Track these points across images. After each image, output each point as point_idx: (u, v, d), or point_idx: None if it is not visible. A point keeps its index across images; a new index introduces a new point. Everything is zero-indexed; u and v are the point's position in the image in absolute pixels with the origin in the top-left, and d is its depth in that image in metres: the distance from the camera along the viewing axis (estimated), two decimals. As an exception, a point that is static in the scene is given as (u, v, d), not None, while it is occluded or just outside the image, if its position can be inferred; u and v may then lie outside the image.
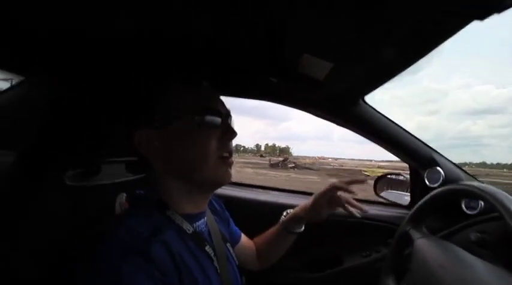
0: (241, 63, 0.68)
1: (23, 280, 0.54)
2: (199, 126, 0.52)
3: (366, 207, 0.71)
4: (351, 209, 0.71)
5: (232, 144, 0.57)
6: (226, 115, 0.57)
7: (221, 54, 0.62)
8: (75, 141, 0.66)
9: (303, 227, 0.79)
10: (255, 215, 0.94)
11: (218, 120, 0.54)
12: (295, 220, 0.77)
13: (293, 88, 0.77)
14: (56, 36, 0.50)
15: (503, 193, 0.47)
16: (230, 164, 0.56)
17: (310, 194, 1.21)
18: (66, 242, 0.53)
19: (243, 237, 0.82)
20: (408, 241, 0.69)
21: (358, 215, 0.70)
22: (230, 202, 0.84)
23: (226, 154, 0.55)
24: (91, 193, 0.71)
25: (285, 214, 0.80)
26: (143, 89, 0.58)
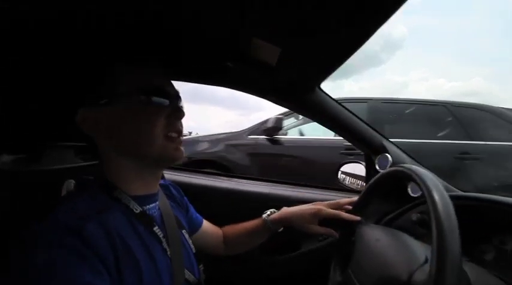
0: (195, 46, 0.66)
1: None
2: (147, 104, 0.52)
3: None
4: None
5: (181, 124, 0.57)
6: (175, 95, 0.58)
7: (174, 36, 0.60)
8: (13, 124, 0.61)
9: (282, 228, 0.82)
10: (215, 202, 0.94)
11: (165, 99, 0.55)
12: (283, 223, 0.80)
13: (249, 74, 0.77)
14: None
15: (428, 173, 0.51)
16: (180, 143, 0.56)
17: (273, 182, 1.23)
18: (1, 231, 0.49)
19: (206, 223, 0.83)
20: (352, 232, 0.72)
21: None
22: (190, 189, 0.83)
23: (173, 134, 0.55)
24: (34, 180, 0.67)
25: (268, 212, 0.82)
26: (88, 67, 0.56)
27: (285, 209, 0.81)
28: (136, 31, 0.56)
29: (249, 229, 0.82)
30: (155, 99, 0.53)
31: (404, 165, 0.59)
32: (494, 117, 2.48)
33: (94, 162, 0.80)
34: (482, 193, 0.71)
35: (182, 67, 0.75)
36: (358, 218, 0.72)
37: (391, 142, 0.96)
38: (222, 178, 1.18)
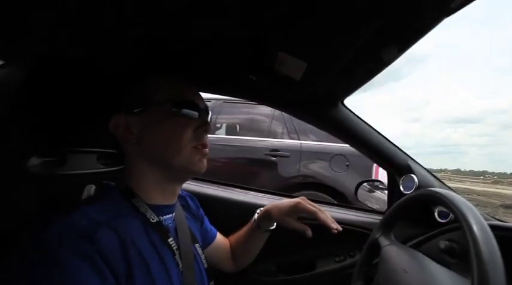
0: (220, 59, 0.67)
1: None
2: (178, 115, 0.54)
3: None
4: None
5: (207, 137, 0.59)
6: (204, 109, 0.60)
7: (202, 49, 0.61)
8: (41, 129, 0.64)
9: (275, 225, 0.78)
10: (229, 214, 0.93)
11: (195, 112, 0.57)
12: (267, 217, 0.76)
13: (272, 88, 0.77)
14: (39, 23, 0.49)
15: (462, 199, 0.47)
16: (204, 155, 0.57)
17: (287, 196, 1.20)
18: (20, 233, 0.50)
19: (219, 237, 0.81)
20: (377, 249, 0.69)
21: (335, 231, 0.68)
22: (205, 199, 0.82)
23: (199, 146, 0.56)
24: (59, 184, 0.69)
25: (258, 211, 0.79)
26: (123, 77, 0.58)
27: (271, 203, 0.78)
28: (167, 43, 0.58)
29: (244, 234, 0.80)
30: (185, 111, 0.55)
31: (436, 189, 0.55)
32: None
33: (115, 168, 0.82)
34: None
35: (207, 78, 0.76)
36: (334, 226, 0.67)
37: (417, 163, 0.91)
38: (238, 190, 1.17)
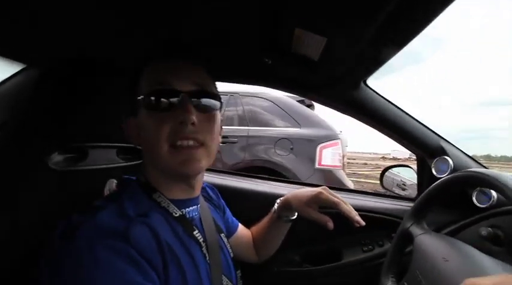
0: (231, 42, 0.64)
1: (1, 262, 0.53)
2: (151, 108, 0.48)
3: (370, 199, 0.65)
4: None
5: (196, 130, 0.47)
6: (191, 93, 0.48)
7: (209, 32, 0.58)
8: (63, 124, 0.65)
9: (296, 214, 0.75)
10: (252, 206, 0.91)
11: (171, 99, 0.47)
12: (287, 207, 0.73)
13: (289, 71, 0.73)
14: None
15: None
16: (189, 154, 0.48)
17: (308, 184, 1.17)
18: (44, 227, 0.52)
19: (241, 228, 0.80)
20: (409, 239, 0.64)
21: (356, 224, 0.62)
22: (226, 191, 0.81)
23: (182, 143, 0.47)
24: (79, 179, 0.70)
25: (278, 201, 0.76)
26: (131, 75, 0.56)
27: (290, 192, 0.73)
28: (174, 33, 0.56)
29: (265, 225, 0.78)
30: (154, 100, 0.47)
31: (481, 170, 0.50)
32: (273, 104, 2.76)
33: (134, 163, 0.82)
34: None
35: (217, 65, 0.73)
36: (358, 219, 0.61)
37: (451, 143, 0.84)
38: (258, 180, 1.15)
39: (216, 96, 0.54)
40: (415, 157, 0.98)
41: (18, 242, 0.55)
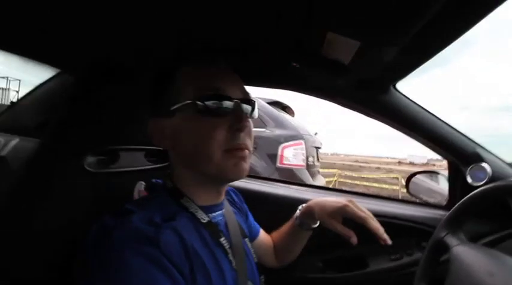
0: (259, 46, 0.63)
1: (34, 264, 0.56)
2: (204, 112, 0.47)
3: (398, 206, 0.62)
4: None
5: (245, 136, 0.50)
6: (240, 100, 0.51)
7: (237, 36, 0.58)
8: (96, 128, 0.67)
9: (318, 223, 0.72)
10: (273, 210, 0.90)
11: (225, 106, 0.49)
12: (309, 215, 0.71)
13: (317, 75, 0.72)
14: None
15: None
16: (242, 158, 0.49)
17: (331, 190, 1.14)
18: (79, 229, 0.54)
19: (262, 233, 0.79)
20: (443, 249, 0.61)
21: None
22: (247, 195, 0.81)
23: (233, 148, 0.49)
24: (110, 180, 0.72)
25: (300, 208, 0.74)
26: (157, 76, 0.57)
27: (313, 199, 0.71)
28: (199, 31, 0.56)
29: (286, 231, 0.76)
30: (211, 105, 0.47)
31: None
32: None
33: (162, 165, 0.84)
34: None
35: (246, 69, 0.74)
36: (385, 237, 0.59)
37: (488, 150, 0.79)
38: (280, 184, 1.14)
39: (254, 102, 0.55)
40: (432, 163, 0.93)
41: (53, 240, 0.58)
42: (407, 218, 0.93)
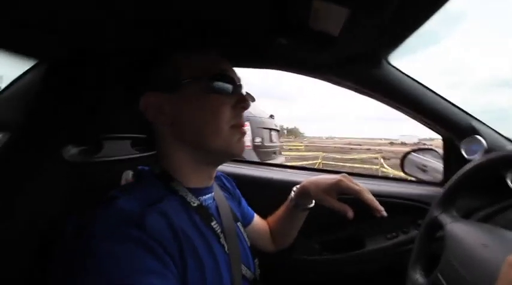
0: (242, 24, 0.60)
1: (18, 256, 0.53)
2: (212, 91, 0.50)
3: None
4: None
5: (244, 115, 0.55)
6: (239, 83, 0.55)
7: (219, 15, 0.55)
8: (76, 117, 0.64)
9: (314, 202, 0.72)
10: (267, 194, 0.89)
11: (230, 86, 0.52)
12: (304, 194, 0.70)
13: (306, 51, 0.68)
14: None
15: None
16: (243, 134, 0.54)
17: (322, 171, 1.13)
18: (61, 220, 0.51)
19: (256, 218, 0.79)
20: (438, 227, 0.61)
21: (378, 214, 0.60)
22: (241, 180, 0.79)
23: (237, 124, 0.52)
24: (96, 171, 0.69)
25: (294, 189, 0.73)
26: (149, 54, 0.54)
27: (307, 179, 0.70)
28: (183, 17, 0.53)
29: (282, 214, 0.76)
30: (219, 84, 0.50)
31: None
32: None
33: (150, 153, 0.81)
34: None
35: (233, 51, 0.70)
36: (380, 208, 0.59)
37: (483, 122, 0.77)
38: (274, 168, 1.12)
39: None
40: (423, 142, 0.92)
41: (36, 234, 0.56)
42: (402, 196, 0.92)
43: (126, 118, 0.71)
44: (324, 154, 12.99)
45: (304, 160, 11.10)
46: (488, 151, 0.73)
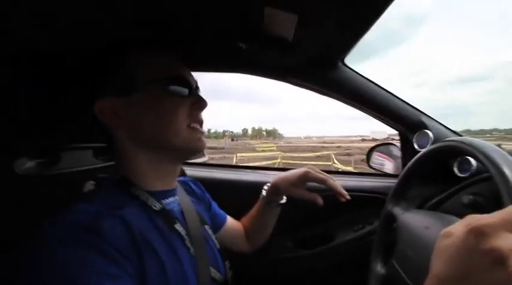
0: (202, 27, 0.61)
1: None
2: (168, 93, 0.51)
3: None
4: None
5: (202, 116, 0.56)
6: (195, 85, 0.57)
7: (179, 19, 0.55)
8: (30, 127, 0.61)
9: (285, 198, 0.75)
10: (240, 197, 0.90)
11: (186, 89, 0.53)
12: (275, 191, 0.72)
13: (264, 54, 0.71)
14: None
15: (495, 147, 0.42)
16: (202, 134, 0.55)
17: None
18: (12, 239, 0.48)
19: (229, 220, 0.79)
20: (393, 219, 0.65)
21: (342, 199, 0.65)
22: (209, 184, 0.79)
23: (196, 125, 0.54)
24: (55, 183, 0.66)
25: (265, 187, 0.75)
26: (104, 57, 0.53)
27: (277, 177, 0.73)
28: (141, 17, 0.53)
29: (255, 213, 0.78)
30: (176, 87, 0.51)
31: (459, 138, 0.50)
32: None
33: (113, 163, 0.79)
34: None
35: (194, 54, 0.70)
36: (344, 192, 0.64)
37: (432, 117, 0.84)
38: (244, 170, 1.14)
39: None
40: (393, 137, 0.99)
41: None
42: (366, 189, 0.97)
43: (86, 126, 0.68)
44: (285, 154, 14.64)
45: (265, 160, 12.47)
46: (435, 143, 0.79)
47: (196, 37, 0.62)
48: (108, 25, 0.53)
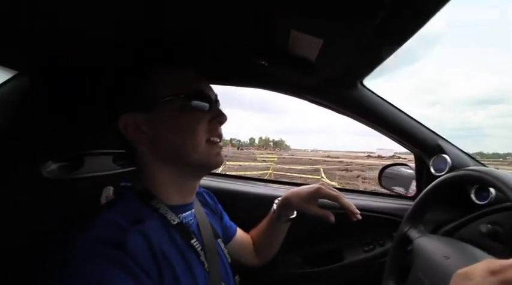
0: (226, 45, 0.63)
1: None
2: (189, 109, 0.52)
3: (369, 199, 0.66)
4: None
5: (221, 129, 0.57)
6: (215, 99, 0.57)
7: (205, 36, 0.58)
8: (57, 132, 0.63)
9: (295, 213, 0.75)
10: (250, 209, 0.90)
11: (207, 104, 0.54)
12: (286, 205, 0.73)
13: (286, 72, 0.72)
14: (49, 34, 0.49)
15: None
16: (221, 148, 0.56)
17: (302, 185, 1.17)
18: (43, 237, 0.50)
19: (239, 232, 0.79)
20: (408, 241, 0.65)
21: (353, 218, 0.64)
22: (223, 195, 0.80)
23: (215, 139, 0.54)
24: (76, 187, 0.68)
25: (276, 201, 0.75)
26: (127, 73, 0.56)
27: (289, 191, 0.74)
28: (170, 38, 0.55)
29: (265, 226, 0.78)
30: (196, 103, 0.52)
31: (477, 167, 0.50)
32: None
33: (131, 168, 0.81)
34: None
35: (215, 69, 0.73)
36: (356, 211, 0.64)
37: (449, 142, 0.84)
38: (256, 182, 1.14)
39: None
40: (398, 156, 0.98)
41: (16, 252, 0.54)
42: (379, 210, 0.96)
43: (108, 133, 0.71)
44: (276, 165, 15.55)
45: (255, 170, 13.40)
46: (452, 168, 0.79)
47: (221, 56, 0.65)
48: (134, 44, 0.56)
